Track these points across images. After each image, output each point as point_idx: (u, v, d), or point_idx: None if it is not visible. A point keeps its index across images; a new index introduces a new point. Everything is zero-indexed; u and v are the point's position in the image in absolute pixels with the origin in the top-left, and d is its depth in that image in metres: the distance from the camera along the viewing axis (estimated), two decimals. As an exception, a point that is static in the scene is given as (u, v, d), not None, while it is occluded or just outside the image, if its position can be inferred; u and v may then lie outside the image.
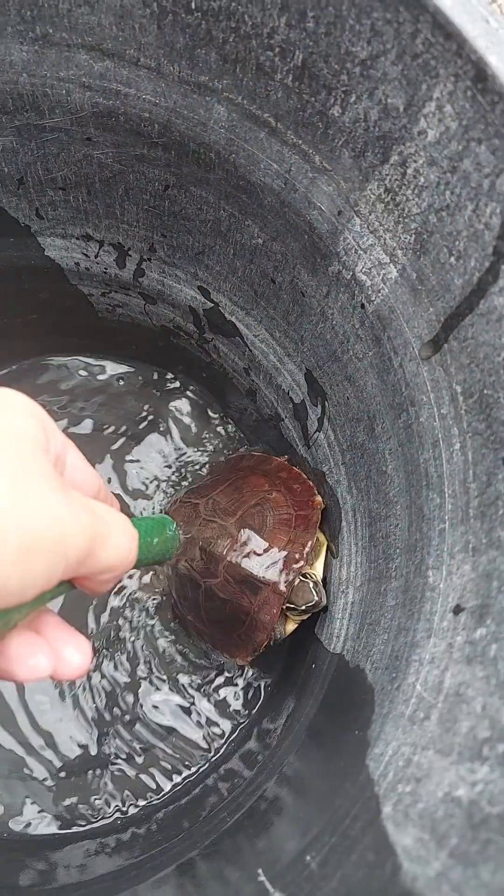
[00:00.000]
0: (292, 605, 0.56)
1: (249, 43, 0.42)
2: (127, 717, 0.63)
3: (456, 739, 0.33)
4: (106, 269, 0.64)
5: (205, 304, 0.63)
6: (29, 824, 0.59)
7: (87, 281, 0.66)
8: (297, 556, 0.57)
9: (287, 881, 0.36)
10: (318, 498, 0.61)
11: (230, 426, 0.74)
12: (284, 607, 0.56)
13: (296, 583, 0.56)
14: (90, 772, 0.61)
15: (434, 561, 0.42)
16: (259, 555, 0.57)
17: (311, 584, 0.56)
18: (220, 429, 0.74)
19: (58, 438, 0.36)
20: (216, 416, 0.74)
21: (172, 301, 0.65)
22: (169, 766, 0.62)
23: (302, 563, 0.56)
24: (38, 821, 0.59)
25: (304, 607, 0.56)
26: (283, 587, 0.56)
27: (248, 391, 0.68)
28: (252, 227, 0.53)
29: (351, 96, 0.40)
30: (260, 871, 0.38)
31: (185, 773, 0.62)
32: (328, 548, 0.60)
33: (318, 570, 0.59)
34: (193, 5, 0.41)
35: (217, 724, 0.64)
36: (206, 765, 0.62)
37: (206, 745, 0.63)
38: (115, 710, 0.63)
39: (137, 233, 0.60)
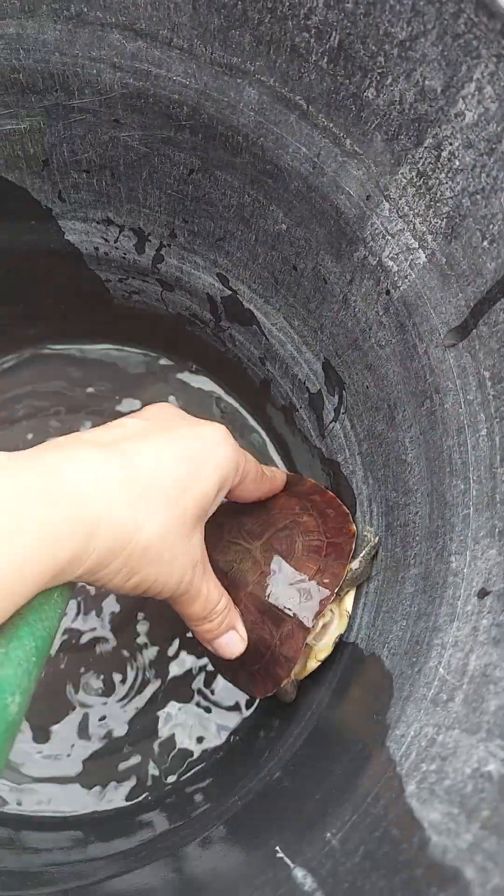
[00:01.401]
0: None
1: (285, 24, 0.42)
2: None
3: (484, 718, 0.33)
4: (125, 254, 0.64)
5: (223, 291, 0.63)
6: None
7: (106, 266, 0.66)
8: (326, 587, 0.53)
9: (307, 857, 0.36)
10: (353, 526, 0.57)
11: (245, 416, 0.73)
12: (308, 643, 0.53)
13: (326, 618, 0.53)
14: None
15: (457, 546, 0.42)
16: (285, 584, 0.53)
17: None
18: (234, 418, 0.73)
19: (242, 466, 0.50)
20: (230, 405, 0.74)
21: (190, 288, 0.65)
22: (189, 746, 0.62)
23: (332, 595, 0.52)
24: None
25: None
26: (308, 622, 0.52)
27: (263, 381, 0.68)
28: (276, 212, 0.53)
29: (387, 78, 0.40)
30: (277, 848, 0.38)
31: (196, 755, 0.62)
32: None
33: (346, 604, 0.55)
34: (232, -17, 0.41)
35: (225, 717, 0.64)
36: (218, 753, 0.61)
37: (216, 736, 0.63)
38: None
39: (159, 218, 0.60)
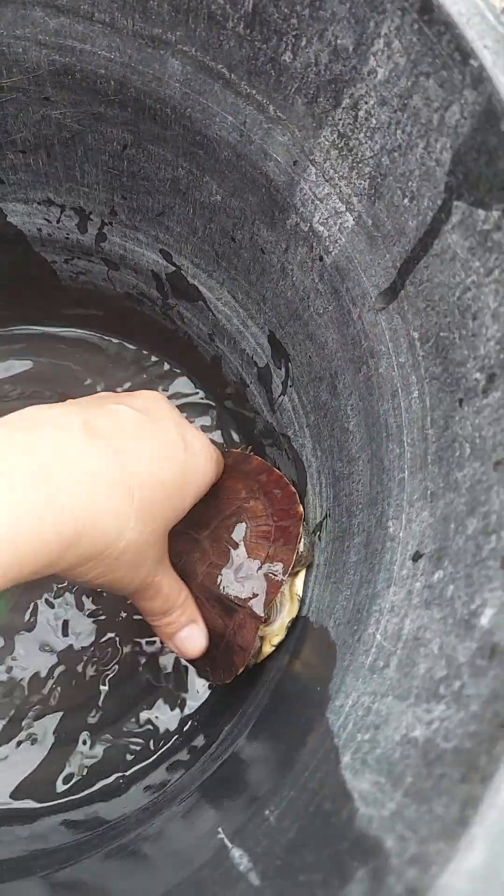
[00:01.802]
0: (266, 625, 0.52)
1: (200, -10, 0.41)
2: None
3: (413, 683, 0.33)
4: (68, 234, 0.63)
5: (167, 267, 0.62)
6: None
7: (50, 247, 0.65)
8: (276, 575, 0.52)
9: (245, 836, 0.36)
10: (300, 508, 0.55)
11: (199, 395, 0.73)
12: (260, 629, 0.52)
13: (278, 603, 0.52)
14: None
15: (394, 511, 0.42)
16: (234, 573, 0.52)
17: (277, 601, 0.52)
18: (191, 399, 0.73)
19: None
20: (186, 387, 0.73)
21: (135, 266, 0.65)
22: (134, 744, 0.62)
23: (282, 583, 0.52)
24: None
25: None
26: (260, 611, 0.51)
27: (213, 358, 0.68)
28: (210, 183, 0.52)
29: (301, 40, 0.40)
30: (220, 829, 0.38)
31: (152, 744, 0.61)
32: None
33: (297, 587, 0.54)
34: None
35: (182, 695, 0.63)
36: (172, 739, 0.61)
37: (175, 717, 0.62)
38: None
39: (98, 196, 0.59)
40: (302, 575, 0.55)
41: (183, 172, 0.53)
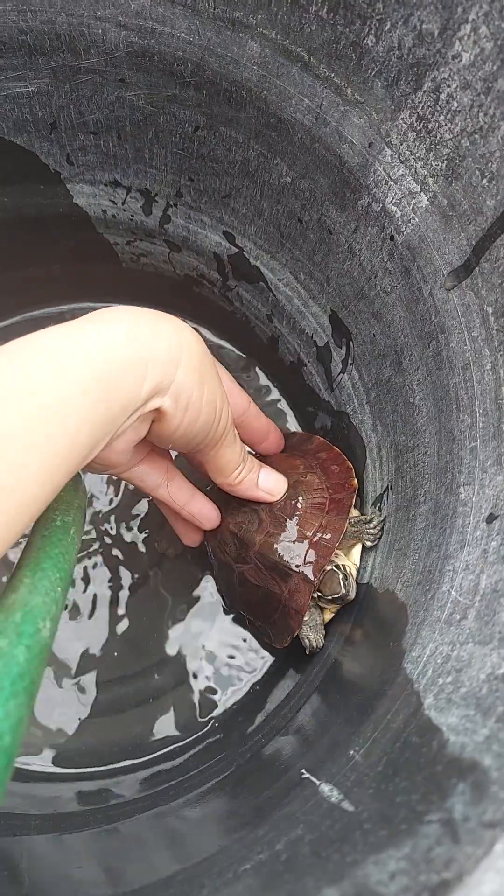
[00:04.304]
0: (321, 595, 0.55)
1: (285, -25, 0.43)
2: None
3: (496, 629, 0.35)
4: (132, 216, 0.65)
5: (229, 249, 0.64)
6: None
7: (114, 229, 0.67)
8: (327, 543, 0.55)
9: (332, 773, 0.38)
10: (355, 481, 0.59)
11: (258, 375, 0.75)
12: (315, 596, 0.55)
13: (327, 570, 0.55)
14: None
15: (465, 478, 0.44)
16: (289, 541, 0.55)
17: (341, 576, 0.54)
18: (246, 377, 0.75)
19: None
20: (242, 365, 0.75)
21: (197, 248, 0.66)
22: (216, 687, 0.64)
23: (333, 550, 0.55)
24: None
25: (330, 597, 0.55)
26: (312, 575, 0.54)
27: (270, 339, 0.70)
28: (281, 165, 0.54)
29: (385, 24, 0.41)
30: (303, 770, 0.40)
31: (231, 692, 0.64)
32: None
33: (353, 557, 0.58)
34: None
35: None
36: (248, 690, 0.63)
37: (248, 669, 0.65)
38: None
39: (165, 177, 0.61)
40: (359, 547, 0.58)
41: (253, 154, 0.55)
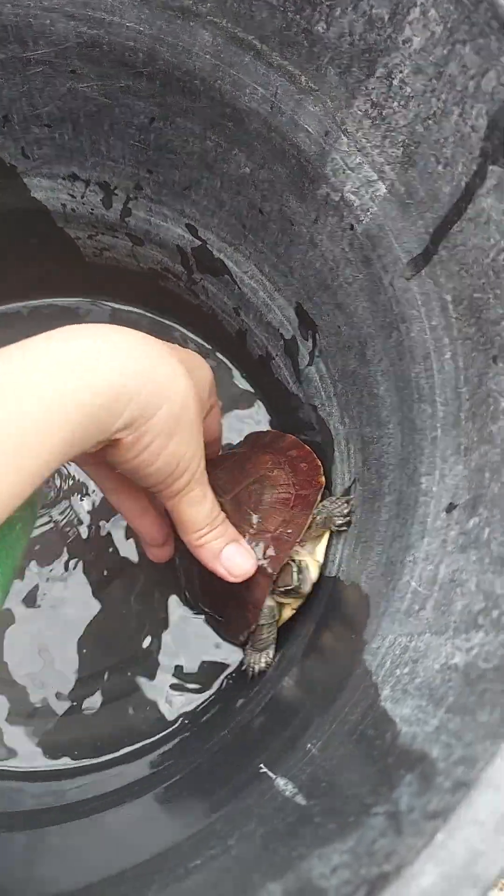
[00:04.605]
0: (275, 587, 0.54)
1: (234, -40, 0.42)
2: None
3: (451, 618, 0.34)
4: (92, 209, 0.65)
5: (192, 242, 0.64)
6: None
7: (74, 223, 0.66)
8: (288, 538, 0.54)
9: (289, 767, 0.38)
10: (322, 478, 0.58)
11: (228, 368, 0.74)
12: (275, 591, 0.55)
13: (285, 564, 0.54)
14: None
15: (427, 468, 0.43)
16: (250, 535, 0.54)
17: (295, 569, 0.54)
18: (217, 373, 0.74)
19: (213, 397, 0.52)
20: (213, 360, 0.74)
21: (160, 241, 0.66)
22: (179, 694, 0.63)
23: (294, 544, 0.54)
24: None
25: (282, 589, 0.54)
26: (270, 569, 0.53)
27: (238, 332, 0.69)
28: (239, 156, 0.53)
29: (336, 10, 0.41)
30: (261, 765, 0.40)
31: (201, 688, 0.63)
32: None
33: (318, 554, 0.57)
34: None
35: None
36: (219, 686, 0.63)
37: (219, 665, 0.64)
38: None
39: (124, 170, 0.60)
40: (324, 542, 0.57)
41: (211, 145, 0.54)
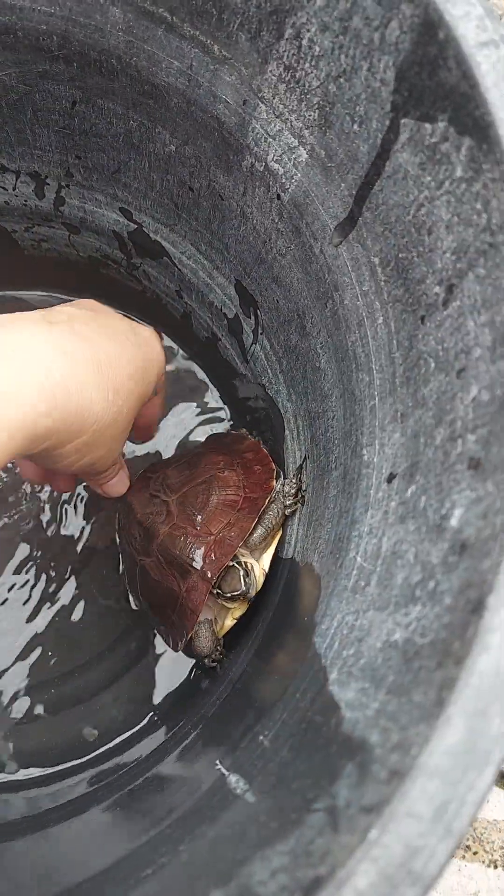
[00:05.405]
0: (221, 592, 0.52)
1: None
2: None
3: (392, 593, 0.33)
4: (26, 200, 0.63)
5: (128, 226, 0.62)
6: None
7: (9, 216, 0.65)
8: (231, 541, 0.52)
9: (241, 762, 0.36)
10: (273, 482, 0.56)
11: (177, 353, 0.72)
12: (216, 593, 0.53)
13: (228, 566, 0.52)
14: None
15: (367, 439, 0.42)
16: (192, 536, 0.53)
17: (242, 573, 0.52)
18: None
19: (161, 381, 0.51)
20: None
21: (96, 228, 0.64)
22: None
23: (235, 548, 0.52)
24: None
25: (229, 595, 0.52)
26: (209, 573, 0.51)
27: (183, 315, 0.68)
28: (163, 133, 0.52)
29: (239, -29, 0.39)
30: (217, 761, 0.38)
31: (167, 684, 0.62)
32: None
33: (264, 560, 0.55)
34: None
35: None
36: (185, 678, 0.61)
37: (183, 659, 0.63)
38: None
39: (52, 158, 0.58)
40: (271, 551, 0.55)
41: (135, 125, 0.53)
